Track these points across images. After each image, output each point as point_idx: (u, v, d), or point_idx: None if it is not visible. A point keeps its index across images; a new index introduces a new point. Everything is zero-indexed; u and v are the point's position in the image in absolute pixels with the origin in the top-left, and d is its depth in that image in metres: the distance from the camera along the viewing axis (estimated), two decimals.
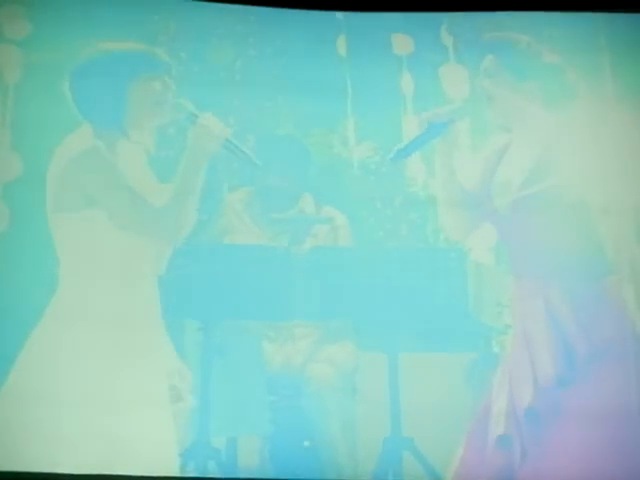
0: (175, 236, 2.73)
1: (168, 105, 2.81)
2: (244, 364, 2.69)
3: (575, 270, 2.73)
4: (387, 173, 2.89)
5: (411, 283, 2.76)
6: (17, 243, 2.68)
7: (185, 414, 2.61)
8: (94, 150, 2.72)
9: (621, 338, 2.68)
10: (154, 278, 2.69)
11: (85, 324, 2.61)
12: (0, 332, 2.58)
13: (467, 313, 2.76)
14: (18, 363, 2.55)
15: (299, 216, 2.87)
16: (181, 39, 2.96)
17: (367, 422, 2.65)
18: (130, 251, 2.70)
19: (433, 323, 2.73)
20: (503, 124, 2.90)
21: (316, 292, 2.74)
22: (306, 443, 2.63)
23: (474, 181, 2.85)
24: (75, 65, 2.80)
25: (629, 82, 2.97)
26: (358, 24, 3.03)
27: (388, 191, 2.87)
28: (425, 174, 2.88)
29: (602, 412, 2.60)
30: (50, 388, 2.55)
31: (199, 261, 2.76)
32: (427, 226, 2.85)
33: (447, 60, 2.99)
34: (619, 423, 2.61)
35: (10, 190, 2.74)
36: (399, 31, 3.01)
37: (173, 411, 2.59)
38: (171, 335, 2.66)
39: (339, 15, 3.04)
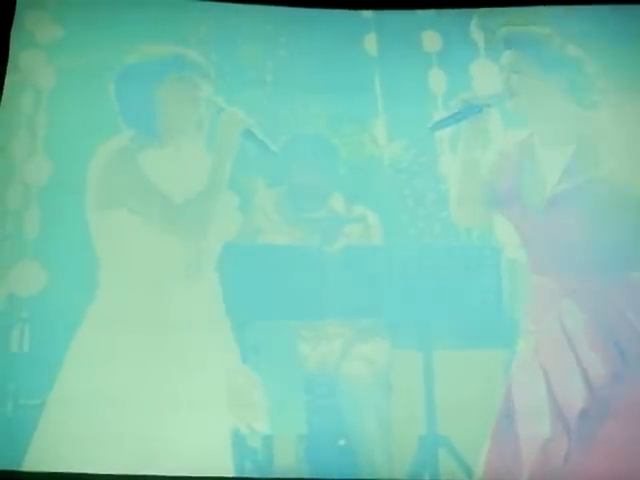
0: (206, 232, 2.74)
1: (197, 103, 2.84)
2: (279, 364, 2.70)
3: (614, 265, 2.70)
4: (419, 171, 2.88)
5: (445, 281, 2.75)
6: (54, 245, 2.71)
7: (221, 414, 2.62)
8: (128, 152, 2.76)
9: None
10: (193, 279, 2.72)
11: (124, 326, 2.63)
12: (45, 336, 2.63)
13: (501, 310, 2.74)
14: (64, 366, 2.59)
15: (330, 215, 2.87)
16: (211, 41, 2.97)
17: (403, 420, 2.64)
18: (166, 252, 2.72)
19: (467, 320, 2.72)
20: (532, 119, 2.89)
21: (350, 291, 2.74)
22: (341, 442, 2.63)
23: (503, 178, 2.84)
24: (110, 69, 2.85)
25: None
26: (388, 22, 3.02)
27: (420, 189, 2.86)
28: None
29: None
30: (92, 390, 2.58)
31: (233, 262, 2.77)
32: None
33: (477, 56, 2.98)
34: None
35: (43, 194, 2.77)
36: (429, 28, 3.01)
37: (210, 411, 2.60)
38: (208, 335, 2.67)
39: (368, 14, 3.04)
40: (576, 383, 2.60)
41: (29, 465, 2.52)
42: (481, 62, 2.96)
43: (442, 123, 2.86)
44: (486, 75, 2.94)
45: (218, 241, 2.76)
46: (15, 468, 2.51)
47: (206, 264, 2.74)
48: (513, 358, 2.69)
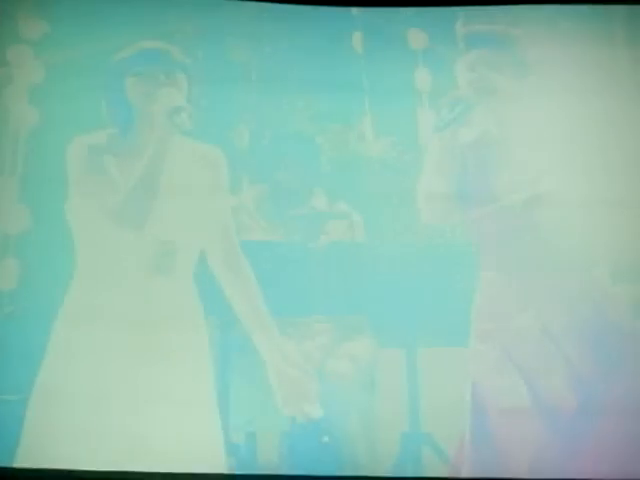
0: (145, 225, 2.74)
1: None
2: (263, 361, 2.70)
3: (594, 263, 2.72)
4: (404, 169, 2.89)
5: (428, 278, 2.76)
6: (34, 238, 2.72)
7: (204, 411, 2.62)
8: (99, 147, 2.77)
9: None
10: (177, 276, 2.73)
11: (98, 321, 2.64)
12: (24, 331, 2.63)
13: None
14: (44, 362, 2.59)
15: (313, 213, 2.87)
16: (197, 37, 2.97)
17: (386, 417, 2.64)
18: (133, 248, 2.73)
19: (451, 318, 2.72)
20: (510, 119, 2.90)
21: (334, 288, 2.75)
22: (325, 439, 2.63)
23: (481, 177, 2.85)
24: (94, 65, 2.85)
25: None
26: (373, 20, 3.03)
27: (405, 186, 2.87)
28: None
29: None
30: (74, 386, 2.58)
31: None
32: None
33: (462, 54, 2.98)
34: None
35: (29, 190, 2.76)
36: (414, 26, 3.01)
37: (193, 407, 2.60)
38: (191, 332, 2.67)
39: (354, 11, 3.04)
40: (563, 382, 2.61)
41: (18, 462, 2.52)
42: (465, 60, 2.96)
43: (443, 123, 2.87)
44: (469, 73, 2.95)
45: (189, 237, 2.76)
46: (4, 464, 2.51)
47: (183, 261, 2.73)
48: (480, 356, 2.69)
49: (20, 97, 2.84)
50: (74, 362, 2.60)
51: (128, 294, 2.69)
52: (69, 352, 2.60)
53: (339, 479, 2.60)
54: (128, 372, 2.60)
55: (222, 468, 2.58)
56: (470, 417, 2.61)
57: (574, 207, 2.79)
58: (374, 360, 2.72)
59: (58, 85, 2.86)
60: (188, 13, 3.00)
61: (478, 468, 2.58)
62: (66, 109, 2.83)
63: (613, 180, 2.83)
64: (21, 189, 2.76)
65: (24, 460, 2.52)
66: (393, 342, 2.72)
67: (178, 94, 2.84)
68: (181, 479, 2.54)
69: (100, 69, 2.87)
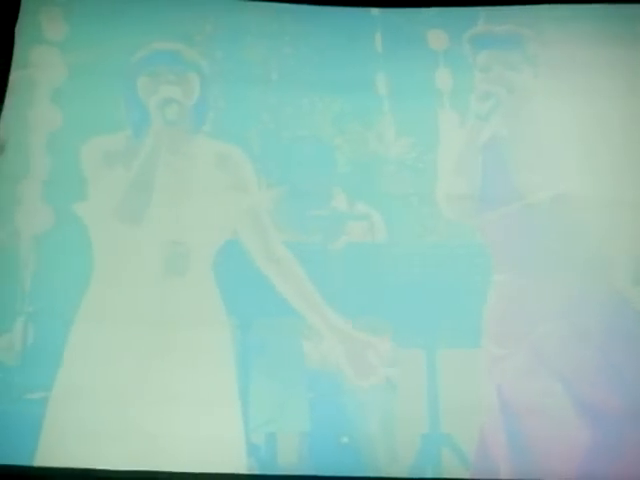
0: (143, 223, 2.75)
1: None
2: (283, 361, 2.70)
3: (620, 264, 2.71)
4: (424, 169, 2.88)
5: (449, 279, 2.75)
6: (59, 241, 2.73)
7: (224, 411, 2.62)
8: (119, 149, 2.79)
9: None
10: (196, 275, 2.73)
11: (118, 321, 2.64)
12: (47, 330, 2.64)
13: None
14: (65, 361, 2.60)
15: (333, 214, 2.86)
16: (217, 38, 2.98)
17: (405, 419, 2.63)
18: (157, 247, 2.74)
19: (472, 319, 2.71)
20: (532, 117, 2.90)
21: (353, 288, 2.74)
22: (344, 440, 2.63)
23: (504, 176, 2.84)
24: (115, 66, 2.87)
25: None
26: (394, 20, 3.03)
27: (425, 187, 2.86)
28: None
29: None
30: (91, 386, 2.58)
31: (236, 258, 2.78)
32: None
33: (482, 54, 2.98)
34: None
35: (52, 192, 2.78)
36: (435, 27, 3.01)
37: (213, 407, 2.60)
38: (211, 332, 2.67)
39: (374, 12, 3.05)
40: (606, 383, 2.59)
41: (38, 461, 2.52)
42: (485, 60, 2.96)
43: (484, 113, 2.87)
44: (488, 72, 2.94)
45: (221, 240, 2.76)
46: (24, 463, 2.51)
47: (203, 260, 2.74)
48: (504, 358, 2.68)
49: (43, 98, 2.86)
50: (94, 362, 2.60)
51: (147, 294, 2.69)
52: (89, 352, 2.61)
53: None
54: (148, 372, 2.61)
55: (242, 468, 2.57)
56: (501, 420, 2.59)
57: (594, 207, 2.78)
58: (394, 361, 2.71)
59: (80, 86, 2.88)
60: (207, 13, 3.01)
61: (517, 470, 2.56)
62: (88, 110, 2.85)
63: (634, 181, 2.82)
64: (45, 190, 2.77)
65: (44, 459, 2.52)
66: (413, 343, 2.71)
67: (179, 90, 2.84)
68: (201, 479, 2.54)
69: (120, 70, 2.89)
